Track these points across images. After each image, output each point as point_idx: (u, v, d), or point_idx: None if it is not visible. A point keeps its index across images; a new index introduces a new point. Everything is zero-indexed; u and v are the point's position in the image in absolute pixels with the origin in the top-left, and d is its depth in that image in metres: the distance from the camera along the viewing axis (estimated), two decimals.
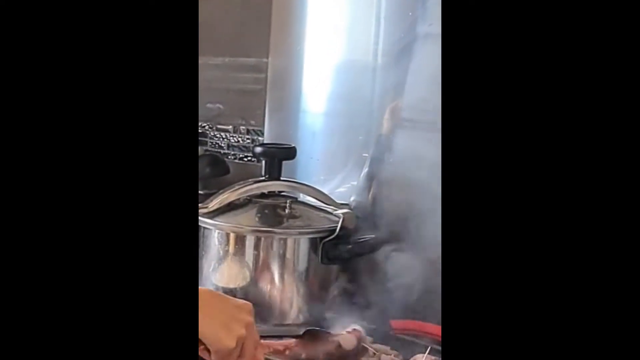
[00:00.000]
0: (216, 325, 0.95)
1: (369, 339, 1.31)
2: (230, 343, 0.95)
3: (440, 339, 1.14)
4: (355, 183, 1.66)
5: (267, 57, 1.82)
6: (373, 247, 1.47)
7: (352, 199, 1.63)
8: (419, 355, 1.22)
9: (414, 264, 1.45)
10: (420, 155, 1.47)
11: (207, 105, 1.94)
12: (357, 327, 1.30)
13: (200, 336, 0.92)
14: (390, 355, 1.26)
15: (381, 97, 1.63)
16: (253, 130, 1.87)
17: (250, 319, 1.00)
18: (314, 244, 1.44)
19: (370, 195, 1.60)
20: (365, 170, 1.64)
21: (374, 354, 1.26)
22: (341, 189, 1.68)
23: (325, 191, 1.58)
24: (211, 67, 1.91)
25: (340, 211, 1.47)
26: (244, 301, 1.04)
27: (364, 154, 1.65)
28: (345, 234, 1.44)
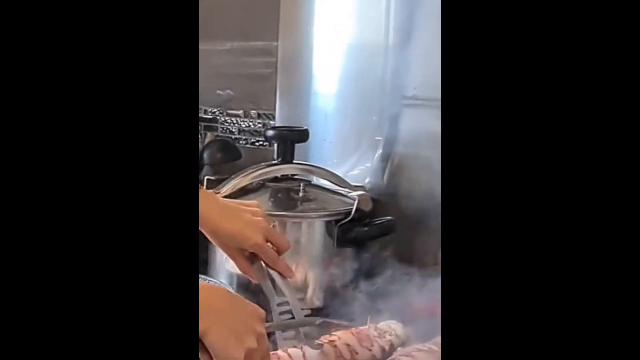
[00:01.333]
0: (226, 335, 0.88)
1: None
2: (239, 355, 0.88)
3: None
4: (369, 165, 1.64)
5: (277, 40, 1.79)
6: (389, 228, 1.44)
7: (366, 180, 1.60)
8: (439, 338, 1.20)
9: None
10: (434, 133, 1.44)
11: (217, 92, 1.91)
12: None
13: (207, 343, 0.86)
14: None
15: (393, 77, 1.60)
16: (264, 114, 1.84)
17: (262, 330, 0.93)
18: (329, 227, 1.41)
19: (385, 177, 1.58)
20: (380, 151, 1.61)
21: None
22: (355, 172, 1.66)
23: (339, 174, 1.56)
24: (221, 52, 1.89)
25: (355, 193, 1.44)
26: (257, 307, 0.96)
27: (377, 137, 1.62)
28: (360, 216, 1.41)
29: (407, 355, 1.12)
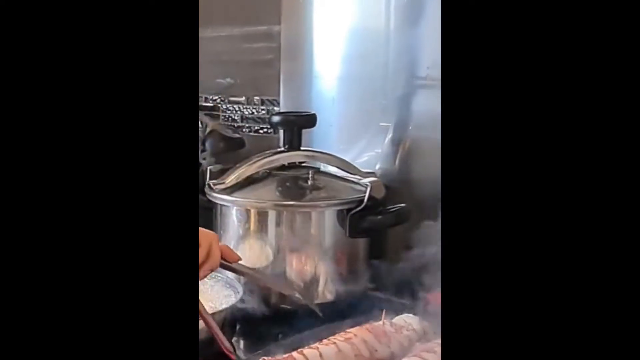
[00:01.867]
0: None
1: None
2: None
3: None
4: (379, 150, 1.57)
5: (278, 25, 1.72)
6: (403, 216, 1.37)
7: (377, 166, 1.54)
8: None
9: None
10: None
11: (217, 80, 1.84)
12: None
13: None
14: None
15: (400, 58, 1.54)
16: (268, 100, 1.76)
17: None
18: (340, 217, 1.34)
19: (397, 162, 1.51)
20: (390, 135, 1.54)
21: None
22: (364, 158, 1.59)
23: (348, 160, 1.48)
24: (220, 38, 1.82)
25: (366, 180, 1.37)
26: None
27: (382, 123, 1.56)
28: (373, 204, 1.34)
29: (428, 351, 1.05)
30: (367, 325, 1.14)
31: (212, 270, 1.07)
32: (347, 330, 1.11)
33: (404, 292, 1.32)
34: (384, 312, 1.18)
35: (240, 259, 1.15)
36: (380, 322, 1.15)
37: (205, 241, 1.06)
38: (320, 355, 1.03)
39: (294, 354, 1.03)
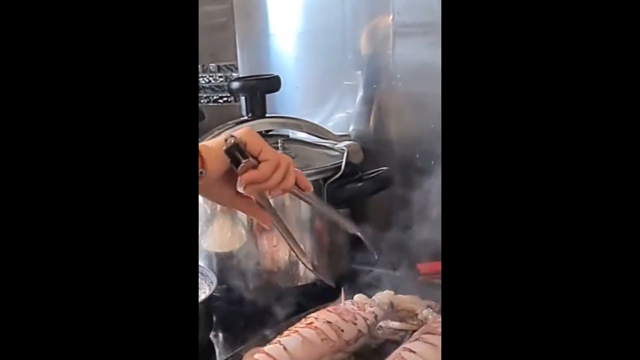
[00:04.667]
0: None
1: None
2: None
3: None
4: (350, 111, 1.45)
5: None
6: (386, 181, 1.25)
7: (350, 128, 1.42)
8: None
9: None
10: (424, 63, 1.26)
11: None
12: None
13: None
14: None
15: (357, 8, 1.42)
16: (225, 66, 1.63)
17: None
18: (316, 187, 1.22)
19: (371, 122, 1.39)
20: (360, 94, 1.42)
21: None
22: (335, 120, 1.47)
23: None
24: None
25: (342, 144, 1.25)
26: None
27: (346, 82, 1.44)
28: (351, 171, 1.22)
29: (432, 333, 0.95)
30: (329, 307, 1.05)
31: (284, 192, 0.97)
32: (308, 316, 1.02)
33: (392, 265, 1.22)
34: (343, 291, 1.09)
35: (312, 189, 1.01)
36: (341, 304, 1.06)
37: (284, 164, 0.95)
38: (285, 348, 0.93)
39: (257, 355, 0.93)
